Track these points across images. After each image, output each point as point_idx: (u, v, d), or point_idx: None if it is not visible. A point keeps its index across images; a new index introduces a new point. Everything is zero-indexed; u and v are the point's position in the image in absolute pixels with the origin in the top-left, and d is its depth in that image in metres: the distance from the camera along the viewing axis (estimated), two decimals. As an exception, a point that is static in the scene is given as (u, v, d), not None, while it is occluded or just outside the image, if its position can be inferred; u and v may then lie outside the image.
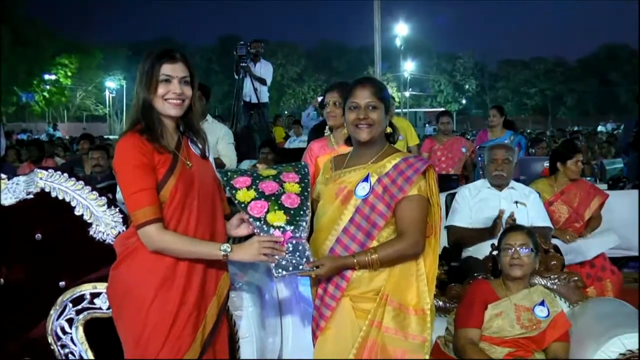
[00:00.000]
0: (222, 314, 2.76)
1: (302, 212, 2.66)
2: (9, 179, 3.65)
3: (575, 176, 5.48)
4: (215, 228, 2.75)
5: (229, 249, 2.57)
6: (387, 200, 2.73)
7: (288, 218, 2.63)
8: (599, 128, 32.90)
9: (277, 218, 2.63)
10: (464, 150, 7.33)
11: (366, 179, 2.78)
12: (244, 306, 3.08)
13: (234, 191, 2.70)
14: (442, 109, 10.56)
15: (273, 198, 2.67)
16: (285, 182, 2.74)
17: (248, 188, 2.70)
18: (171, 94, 2.66)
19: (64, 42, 53.40)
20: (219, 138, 4.85)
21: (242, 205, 2.66)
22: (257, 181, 2.73)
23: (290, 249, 2.60)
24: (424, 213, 2.77)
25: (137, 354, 2.59)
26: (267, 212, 2.63)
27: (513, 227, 3.78)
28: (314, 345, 2.85)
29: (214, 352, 2.71)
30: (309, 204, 2.71)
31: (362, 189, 2.77)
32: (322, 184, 2.96)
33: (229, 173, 2.82)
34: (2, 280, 3.61)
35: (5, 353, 3.11)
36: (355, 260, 2.68)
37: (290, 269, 2.60)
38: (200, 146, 2.82)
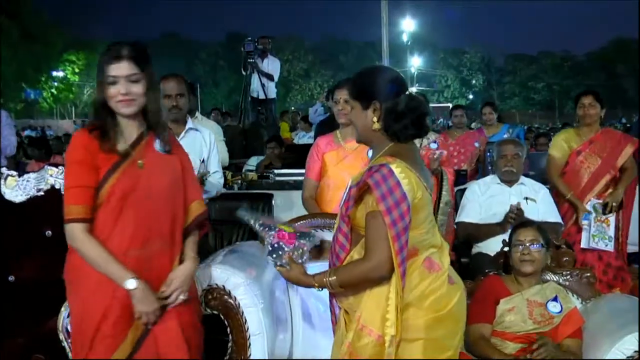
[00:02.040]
0: (165, 313, 2.68)
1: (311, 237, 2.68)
2: (19, 175, 3.67)
3: (590, 116, 5.30)
4: (168, 226, 2.71)
5: (132, 286, 2.54)
6: (343, 213, 2.57)
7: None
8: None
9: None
10: (476, 144, 7.25)
11: (348, 189, 2.59)
12: (255, 303, 3.07)
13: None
14: (456, 104, 10.46)
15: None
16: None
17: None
18: (119, 95, 2.62)
19: (72, 38, 53.52)
20: (210, 136, 4.84)
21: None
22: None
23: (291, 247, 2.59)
24: (381, 228, 2.36)
25: (76, 340, 2.71)
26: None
27: (523, 222, 3.76)
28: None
29: (155, 352, 2.66)
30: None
31: (342, 200, 2.69)
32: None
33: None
34: (12, 276, 3.63)
35: (16, 349, 3.12)
36: (314, 282, 2.52)
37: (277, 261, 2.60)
38: (164, 143, 2.77)
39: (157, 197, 2.67)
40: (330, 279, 2.46)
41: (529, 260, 3.36)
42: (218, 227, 5.02)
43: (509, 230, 4.27)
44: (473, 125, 13.25)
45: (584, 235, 5.17)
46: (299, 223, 3.27)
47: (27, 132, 28.87)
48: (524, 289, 3.37)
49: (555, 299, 3.30)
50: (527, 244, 3.38)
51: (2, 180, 3.67)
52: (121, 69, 2.62)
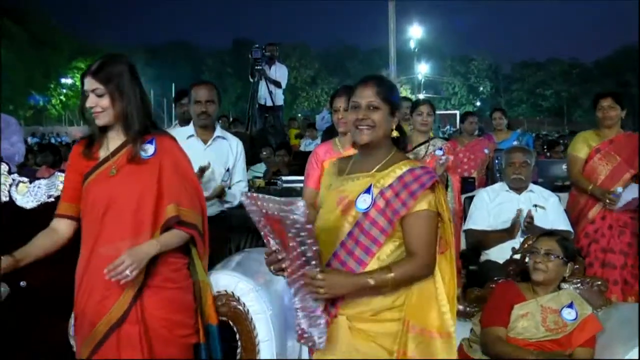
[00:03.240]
0: (127, 319, 2.76)
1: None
2: (30, 182, 3.69)
3: (610, 118, 5.28)
4: (129, 232, 2.80)
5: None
6: (389, 215, 2.51)
7: None
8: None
9: None
10: (486, 151, 7.25)
11: (368, 191, 2.55)
12: (264, 309, 3.09)
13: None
14: (467, 110, 10.43)
15: None
16: None
17: None
18: (89, 107, 2.84)
19: (80, 45, 53.73)
20: (237, 146, 4.83)
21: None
22: None
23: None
24: (434, 230, 2.55)
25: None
26: None
27: (546, 232, 3.73)
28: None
29: (116, 354, 2.74)
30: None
31: (363, 202, 2.54)
32: (325, 189, 2.79)
33: None
34: (24, 282, 3.65)
35: (27, 355, 3.13)
36: (370, 281, 2.45)
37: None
38: (144, 148, 2.89)
39: (123, 204, 2.81)
40: (388, 276, 2.46)
41: (541, 270, 3.36)
42: (236, 235, 5.04)
43: (518, 238, 4.33)
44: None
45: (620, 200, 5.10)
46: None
47: (30, 139, 28.92)
48: (539, 295, 3.36)
49: (570, 306, 3.29)
50: (542, 253, 3.38)
51: (14, 187, 3.70)
52: (89, 84, 2.83)
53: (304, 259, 2.36)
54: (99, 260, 2.74)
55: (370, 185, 2.56)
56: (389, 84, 2.71)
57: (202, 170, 4.18)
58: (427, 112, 5.48)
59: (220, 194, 4.33)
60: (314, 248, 2.33)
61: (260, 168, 8.35)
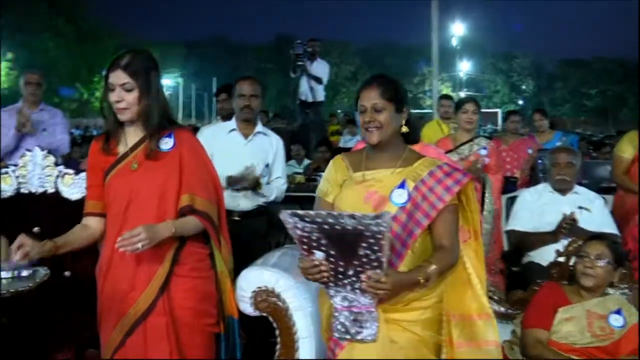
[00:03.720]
0: (153, 310, 2.80)
1: None
2: (75, 174, 3.75)
3: None
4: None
5: None
6: (425, 209, 2.62)
7: None
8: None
9: None
10: (530, 151, 7.14)
11: (402, 186, 2.65)
12: (303, 306, 3.08)
13: None
14: (511, 109, 10.32)
15: None
16: None
17: None
18: (115, 102, 2.83)
19: (124, 40, 54.45)
20: (277, 142, 4.85)
21: None
22: None
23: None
24: (457, 221, 2.73)
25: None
26: None
27: (596, 235, 3.66)
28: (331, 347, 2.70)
29: (143, 345, 2.78)
30: None
31: (400, 196, 2.64)
32: (336, 185, 2.83)
33: None
34: (68, 272, 3.71)
35: (71, 344, 3.18)
36: (420, 278, 2.51)
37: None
38: (164, 141, 2.91)
39: (146, 197, 2.84)
40: (432, 268, 2.54)
41: (591, 275, 3.29)
42: (276, 232, 5.04)
43: (562, 240, 4.25)
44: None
45: None
46: None
47: (75, 132, 29.40)
48: (585, 299, 3.30)
49: (618, 312, 3.21)
50: (592, 257, 3.31)
51: (60, 178, 3.76)
52: (116, 77, 2.82)
53: (375, 264, 2.39)
54: (123, 253, 2.74)
55: (404, 180, 2.66)
56: (392, 82, 2.79)
57: (248, 171, 4.24)
58: (472, 110, 5.41)
59: (254, 185, 4.33)
60: (389, 254, 2.41)
61: (303, 164, 8.37)
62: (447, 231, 2.65)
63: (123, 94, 2.80)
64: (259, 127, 4.56)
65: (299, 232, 2.40)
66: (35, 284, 2.94)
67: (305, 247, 2.45)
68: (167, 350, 2.78)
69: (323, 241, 2.41)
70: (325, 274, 2.46)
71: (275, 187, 4.54)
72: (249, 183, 4.31)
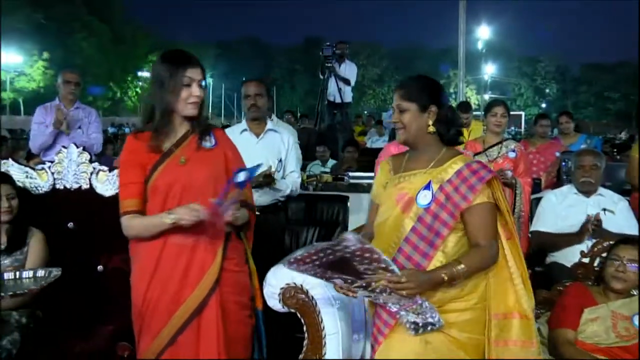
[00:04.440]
0: (207, 304, 2.77)
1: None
2: (109, 170, 3.77)
3: None
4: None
5: (169, 220, 2.67)
6: (450, 208, 2.57)
7: None
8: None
9: None
10: (557, 154, 7.07)
11: (427, 187, 2.62)
12: (331, 302, 3.05)
13: None
14: (541, 113, 10.26)
15: None
16: None
17: None
18: (192, 97, 2.78)
19: (157, 41, 55.01)
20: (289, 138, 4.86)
21: None
22: None
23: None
24: (495, 221, 2.64)
25: (134, 326, 2.87)
26: None
27: (627, 239, 3.60)
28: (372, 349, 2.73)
29: (195, 339, 2.75)
30: None
31: (424, 197, 2.61)
32: (381, 187, 2.84)
33: None
34: (101, 266, 3.74)
35: (104, 336, 3.20)
36: (444, 276, 2.48)
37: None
38: (207, 138, 2.91)
39: (197, 190, 2.80)
40: (459, 268, 2.51)
41: (622, 279, 3.24)
42: (293, 227, 5.05)
43: (586, 241, 4.19)
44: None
45: None
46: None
47: (110, 129, 29.73)
48: (611, 300, 3.25)
49: None
50: (625, 262, 3.25)
51: (94, 175, 3.78)
52: (195, 73, 2.79)
53: (385, 270, 2.38)
54: (174, 249, 2.75)
55: (430, 182, 2.63)
56: (418, 82, 2.76)
57: (267, 174, 4.27)
58: (501, 113, 5.34)
59: (269, 181, 4.34)
60: (383, 258, 2.35)
61: (330, 164, 8.36)
62: (482, 230, 2.58)
63: (199, 90, 2.80)
64: (269, 124, 4.58)
65: (307, 273, 2.48)
66: (46, 282, 2.92)
67: (323, 279, 2.51)
68: (217, 344, 2.78)
69: (328, 272, 2.44)
70: (358, 292, 2.49)
71: (290, 182, 4.54)
72: (261, 179, 4.30)
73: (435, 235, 2.58)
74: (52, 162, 3.86)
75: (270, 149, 4.52)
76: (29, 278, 3.00)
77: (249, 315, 2.97)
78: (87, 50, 43.27)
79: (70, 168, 3.81)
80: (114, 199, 3.69)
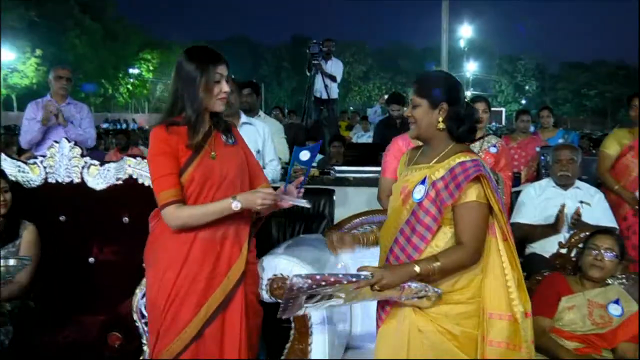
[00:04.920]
0: (233, 296, 2.77)
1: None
2: (101, 165, 3.75)
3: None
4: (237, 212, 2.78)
5: (237, 207, 2.66)
6: (438, 205, 2.54)
7: None
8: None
9: None
10: (538, 149, 7.10)
11: (423, 182, 2.61)
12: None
13: None
14: (522, 109, 10.29)
15: None
16: None
17: None
18: (222, 93, 2.77)
19: (147, 39, 54.74)
20: (273, 133, 4.85)
21: None
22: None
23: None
24: (483, 221, 2.56)
25: (151, 318, 2.80)
26: None
27: (603, 229, 3.62)
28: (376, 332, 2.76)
29: (221, 330, 2.74)
30: None
31: (418, 192, 2.60)
32: (399, 177, 2.85)
33: None
34: (92, 259, 3.72)
35: (95, 327, 3.18)
36: (417, 269, 2.49)
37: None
38: (228, 135, 2.91)
39: (228, 185, 2.78)
40: (434, 265, 2.49)
41: (599, 267, 3.26)
42: (280, 219, 5.03)
43: (564, 232, 4.22)
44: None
45: None
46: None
47: (106, 125, 29.60)
48: (587, 289, 3.28)
49: (617, 302, 3.20)
50: (602, 251, 3.28)
51: (85, 169, 3.76)
52: (224, 69, 2.77)
53: (354, 279, 2.42)
54: (203, 243, 2.72)
55: (425, 177, 2.61)
56: (429, 79, 2.71)
57: None
58: (482, 109, 5.32)
59: None
60: (342, 275, 2.43)
61: (317, 158, 8.36)
62: (466, 228, 2.53)
63: (227, 85, 2.78)
64: (243, 118, 4.52)
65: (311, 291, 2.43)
66: (16, 270, 2.93)
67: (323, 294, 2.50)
68: (239, 335, 2.77)
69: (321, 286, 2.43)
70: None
71: (270, 170, 4.51)
72: None
73: (426, 229, 2.57)
74: (44, 156, 3.83)
75: (247, 141, 4.51)
76: (5, 266, 3.01)
77: (260, 306, 2.98)
78: (79, 48, 42.94)
79: (62, 162, 3.79)
80: (105, 192, 3.70)
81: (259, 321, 2.95)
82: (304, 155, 2.76)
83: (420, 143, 2.83)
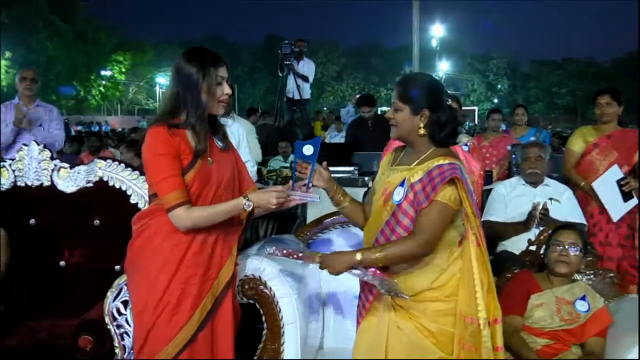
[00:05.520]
0: (224, 299, 2.77)
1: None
2: (71, 167, 3.72)
3: (607, 114, 5.26)
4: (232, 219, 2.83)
5: (249, 207, 2.69)
6: (416, 207, 2.57)
7: None
8: None
9: None
10: (509, 147, 7.18)
11: (402, 184, 2.63)
12: (289, 293, 3.07)
13: None
14: (494, 107, 10.35)
15: None
16: None
17: None
18: (224, 95, 2.73)
19: (120, 40, 54.26)
20: (247, 133, 4.83)
21: None
22: None
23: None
24: (441, 217, 2.56)
25: (138, 321, 2.71)
26: None
27: (565, 225, 3.66)
28: (356, 328, 2.81)
29: (211, 333, 2.73)
30: None
31: (398, 194, 2.62)
32: (381, 175, 2.86)
33: None
34: (63, 262, 3.69)
35: (66, 330, 3.15)
36: (359, 257, 2.57)
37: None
38: (221, 139, 2.87)
39: (223, 190, 2.78)
40: (377, 254, 2.55)
41: (565, 262, 3.29)
42: (253, 220, 5.02)
43: (534, 229, 4.27)
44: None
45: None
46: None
47: (81, 128, 29.29)
48: (555, 286, 3.31)
49: (583, 298, 3.23)
50: (566, 246, 3.31)
51: (55, 172, 3.72)
52: (224, 71, 2.74)
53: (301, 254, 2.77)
54: (198, 245, 2.70)
55: (405, 179, 2.63)
56: (412, 84, 2.71)
57: None
58: (454, 107, 5.38)
59: None
60: (298, 247, 2.89)
61: (291, 158, 8.36)
62: (422, 220, 2.55)
63: (228, 87, 2.75)
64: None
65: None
66: None
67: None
68: (232, 337, 2.79)
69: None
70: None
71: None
72: None
73: (405, 230, 2.60)
74: (12, 159, 3.79)
75: None
76: None
77: (240, 307, 2.97)
78: (50, 50, 42.50)
79: (32, 165, 3.74)
80: (76, 195, 3.67)
81: (239, 320, 2.94)
82: (308, 149, 2.78)
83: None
